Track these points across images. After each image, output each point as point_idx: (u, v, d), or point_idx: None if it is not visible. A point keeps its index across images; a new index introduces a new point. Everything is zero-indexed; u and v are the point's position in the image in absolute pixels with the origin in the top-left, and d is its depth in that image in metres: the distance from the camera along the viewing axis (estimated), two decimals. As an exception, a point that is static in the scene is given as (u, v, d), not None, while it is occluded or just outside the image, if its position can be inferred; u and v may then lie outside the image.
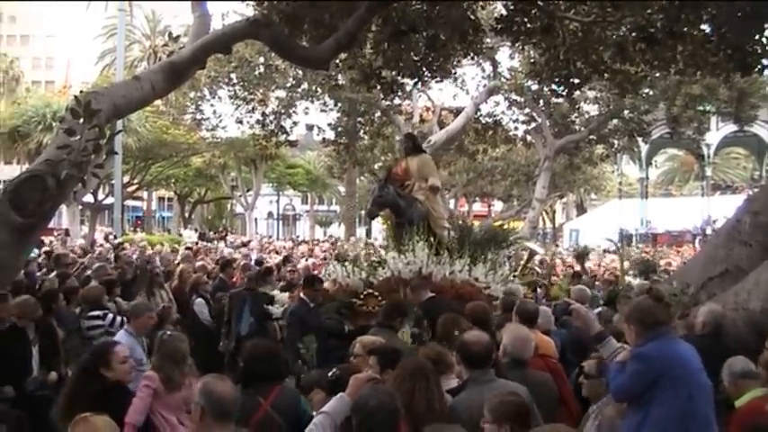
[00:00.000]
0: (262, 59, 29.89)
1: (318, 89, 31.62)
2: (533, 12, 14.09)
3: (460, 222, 15.34)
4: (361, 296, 11.34)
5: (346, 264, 12.97)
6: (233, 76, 31.29)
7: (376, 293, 11.27)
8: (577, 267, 20.64)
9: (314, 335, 9.65)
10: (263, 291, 13.95)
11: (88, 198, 39.35)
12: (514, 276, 13.50)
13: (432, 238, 12.83)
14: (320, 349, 9.38)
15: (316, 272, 15.32)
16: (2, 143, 41.70)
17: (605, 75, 16.11)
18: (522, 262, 16.20)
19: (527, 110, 35.58)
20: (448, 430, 4.80)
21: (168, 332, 7.02)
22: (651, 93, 31.76)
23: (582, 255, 22.39)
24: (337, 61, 18.00)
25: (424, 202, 13.60)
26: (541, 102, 33.79)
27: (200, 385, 4.86)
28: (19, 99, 55.38)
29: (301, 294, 11.43)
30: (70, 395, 6.33)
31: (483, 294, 11.56)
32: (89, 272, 14.94)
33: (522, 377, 6.23)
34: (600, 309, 11.88)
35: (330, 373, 5.99)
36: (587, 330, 6.39)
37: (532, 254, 17.86)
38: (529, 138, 38.31)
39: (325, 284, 12.10)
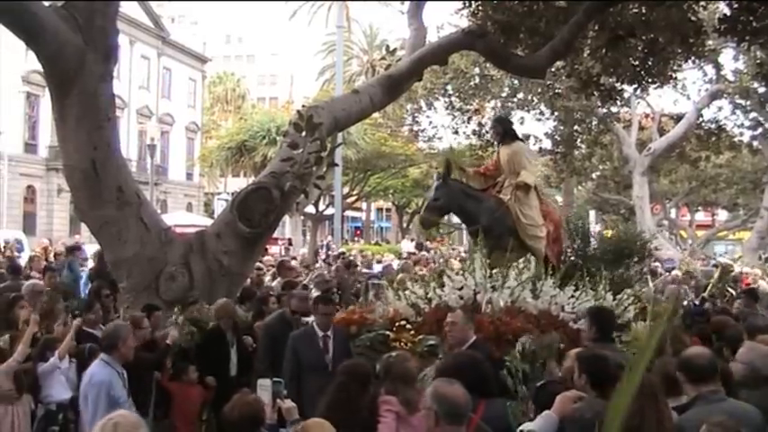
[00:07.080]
0: (477, 70, 29.97)
1: (534, 98, 31.42)
2: (760, 9, 13.48)
3: (574, 231, 12.81)
4: (393, 329, 8.96)
5: (395, 285, 10.33)
6: (449, 87, 31.47)
7: (408, 326, 8.89)
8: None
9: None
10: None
11: (310, 209, 40.58)
12: (631, 304, 9.91)
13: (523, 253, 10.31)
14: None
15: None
16: (230, 157, 43.61)
17: (842, 73, 15.15)
18: (713, 281, 13.76)
19: (753, 114, 34.12)
20: None
21: (393, 353, 6.91)
22: None
23: None
24: (553, 69, 17.85)
25: (509, 203, 10.76)
26: (768, 105, 32.24)
27: (431, 390, 4.88)
28: (245, 115, 58.09)
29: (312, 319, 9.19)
30: None
31: (567, 329, 8.70)
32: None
33: (761, 398, 5.65)
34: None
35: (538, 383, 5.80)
36: None
37: (726, 270, 15.13)
38: (755, 143, 36.69)
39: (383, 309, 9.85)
